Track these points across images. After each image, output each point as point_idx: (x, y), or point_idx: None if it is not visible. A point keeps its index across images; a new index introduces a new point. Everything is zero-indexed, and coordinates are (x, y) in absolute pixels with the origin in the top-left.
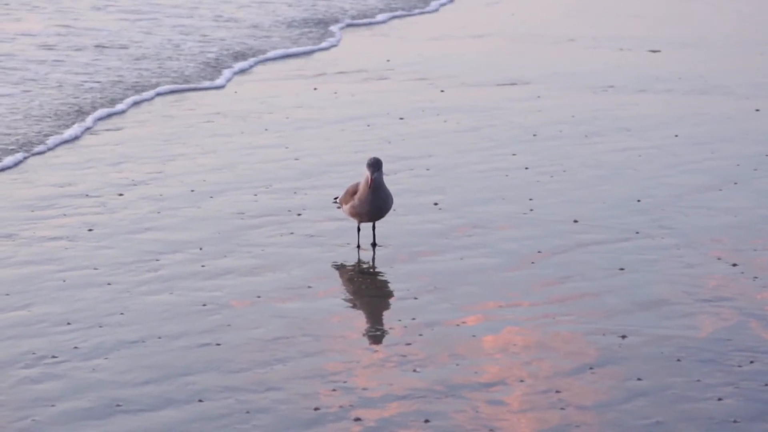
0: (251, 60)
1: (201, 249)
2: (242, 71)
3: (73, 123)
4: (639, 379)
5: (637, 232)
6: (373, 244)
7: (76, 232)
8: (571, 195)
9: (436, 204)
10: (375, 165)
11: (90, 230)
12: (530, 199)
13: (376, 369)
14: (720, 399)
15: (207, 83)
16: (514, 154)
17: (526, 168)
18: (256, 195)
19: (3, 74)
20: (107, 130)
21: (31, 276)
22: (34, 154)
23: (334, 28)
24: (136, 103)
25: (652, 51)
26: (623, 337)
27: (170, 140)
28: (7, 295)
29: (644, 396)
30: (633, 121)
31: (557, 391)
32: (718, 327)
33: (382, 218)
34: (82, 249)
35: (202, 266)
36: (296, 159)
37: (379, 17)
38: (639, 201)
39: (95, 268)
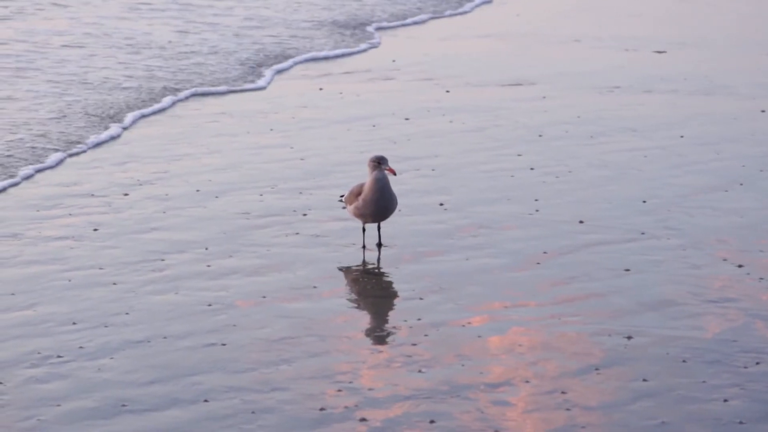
0: (290, 61)
1: (206, 249)
2: (281, 71)
3: (111, 123)
4: (645, 380)
5: (643, 233)
6: (379, 245)
7: (81, 231)
8: (576, 195)
9: (441, 204)
10: (383, 158)
11: (95, 230)
12: (536, 200)
13: (382, 369)
14: (726, 400)
15: (249, 84)
16: (519, 155)
17: (532, 168)
18: (261, 195)
19: (44, 73)
20: (142, 129)
21: (36, 276)
22: (71, 155)
23: (371, 29)
24: (172, 103)
25: (658, 51)
26: (629, 337)
27: (192, 141)
28: (13, 294)
29: (650, 397)
30: (638, 122)
31: (563, 392)
32: (723, 328)
33: (387, 219)
34: (88, 249)
35: (208, 266)
36: (301, 159)
37: (418, 18)
38: (644, 201)
39: (101, 268)
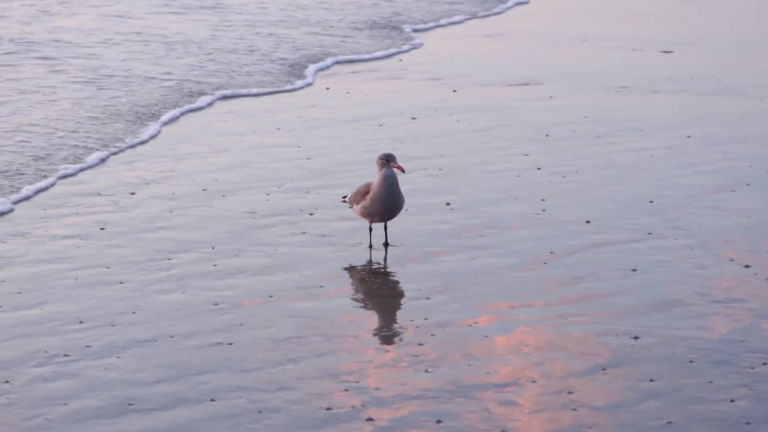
0: (329, 60)
1: (213, 248)
2: (322, 70)
3: (150, 121)
4: (651, 380)
5: (650, 233)
6: (386, 244)
7: (88, 230)
8: (583, 195)
9: (448, 204)
10: (391, 156)
11: (102, 229)
12: (542, 200)
13: (388, 369)
14: (732, 400)
15: (290, 85)
16: (526, 154)
17: (539, 168)
18: (268, 194)
19: (82, 71)
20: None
21: (43, 274)
22: (113, 153)
23: (407, 29)
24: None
25: (665, 51)
26: (636, 338)
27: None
28: (20, 293)
29: (657, 397)
30: (645, 122)
31: (569, 392)
32: (730, 328)
33: (393, 218)
34: (95, 248)
35: (214, 265)
36: (308, 158)
37: (455, 18)
38: (651, 202)
39: (107, 267)
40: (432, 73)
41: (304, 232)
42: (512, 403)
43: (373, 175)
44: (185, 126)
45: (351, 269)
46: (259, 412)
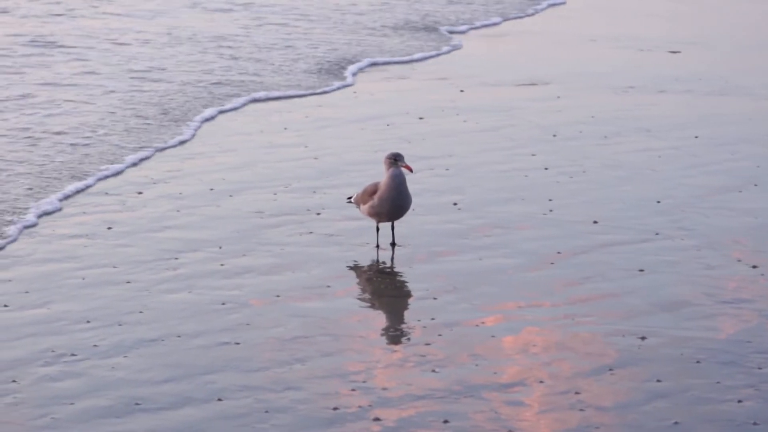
0: (368, 60)
1: (220, 248)
2: (362, 70)
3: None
4: (658, 381)
5: (657, 233)
6: (393, 244)
7: (95, 230)
8: (590, 195)
9: (455, 204)
10: (399, 155)
11: (109, 228)
12: (550, 200)
13: (396, 369)
14: (740, 401)
15: (335, 85)
16: (533, 155)
17: (546, 168)
18: (275, 194)
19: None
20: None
21: (50, 274)
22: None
23: (444, 31)
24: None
25: (672, 51)
26: (643, 338)
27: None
28: (27, 292)
29: (664, 397)
30: (653, 122)
31: (577, 392)
32: (738, 329)
33: (401, 218)
34: (102, 247)
35: (222, 265)
36: (315, 158)
37: (490, 20)
38: (659, 202)
39: (114, 267)
40: (439, 73)
41: (311, 232)
42: (519, 403)
43: (381, 175)
44: (219, 126)
45: (358, 269)
46: (266, 411)
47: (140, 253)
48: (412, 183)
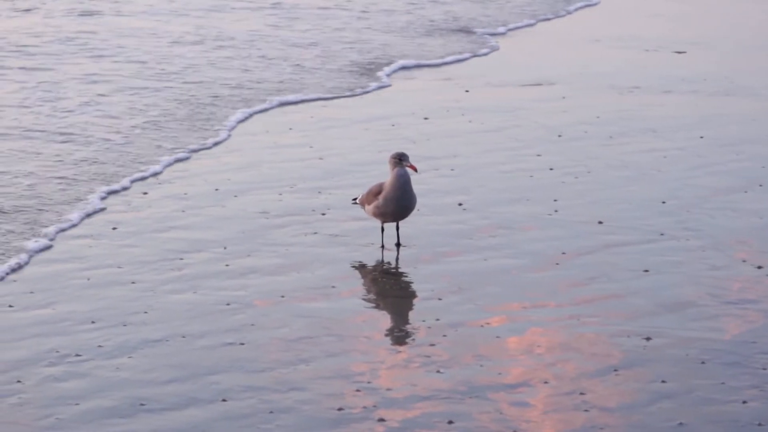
0: (400, 62)
1: (225, 248)
2: (402, 69)
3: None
4: (663, 382)
5: (662, 234)
6: (397, 244)
7: (100, 230)
8: (595, 196)
9: (460, 204)
10: (404, 155)
11: (114, 229)
12: (555, 200)
13: (400, 369)
14: (745, 402)
15: (361, 89)
16: (538, 155)
17: (551, 169)
18: (280, 194)
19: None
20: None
21: (55, 274)
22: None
23: (482, 32)
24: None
25: (678, 52)
26: (648, 339)
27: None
28: (32, 293)
29: (669, 398)
30: (658, 122)
31: (581, 393)
32: (743, 329)
33: (405, 218)
34: (107, 247)
35: (226, 265)
36: (321, 158)
37: (523, 22)
38: (664, 202)
39: (119, 267)
40: (444, 73)
41: (316, 232)
42: (524, 404)
43: (386, 175)
44: (255, 126)
45: (363, 269)
46: (271, 412)
47: (145, 254)
48: (417, 183)
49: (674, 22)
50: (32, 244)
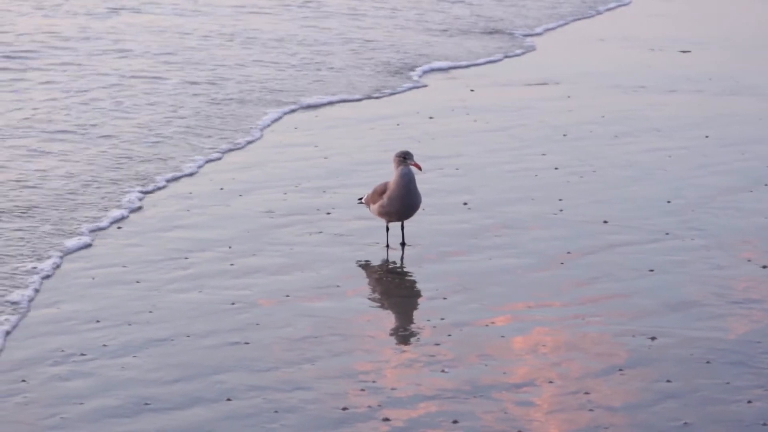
0: (435, 64)
1: (230, 247)
2: (437, 70)
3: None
4: (668, 381)
5: (667, 233)
6: (402, 244)
7: (105, 229)
8: (600, 195)
9: (465, 204)
10: (408, 153)
11: (119, 228)
12: (560, 200)
13: (405, 369)
14: (749, 401)
15: (399, 88)
16: (543, 154)
17: (556, 168)
18: (285, 194)
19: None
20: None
21: (59, 273)
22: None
23: (519, 34)
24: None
25: (683, 51)
26: (653, 338)
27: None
28: (37, 292)
29: (673, 398)
30: (663, 122)
31: (586, 393)
32: (748, 329)
33: (410, 217)
34: (112, 247)
35: (231, 265)
36: (325, 158)
37: (557, 22)
38: (669, 202)
39: (124, 266)
40: (449, 73)
41: (320, 232)
42: (529, 403)
43: (390, 175)
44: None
45: (368, 269)
46: (276, 411)
47: (150, 253)
48: (423, 183)
49: (679, 22)
50: (72, 242)
